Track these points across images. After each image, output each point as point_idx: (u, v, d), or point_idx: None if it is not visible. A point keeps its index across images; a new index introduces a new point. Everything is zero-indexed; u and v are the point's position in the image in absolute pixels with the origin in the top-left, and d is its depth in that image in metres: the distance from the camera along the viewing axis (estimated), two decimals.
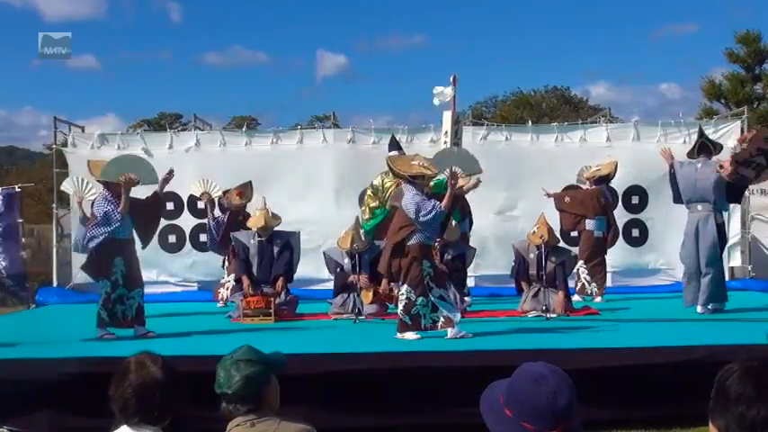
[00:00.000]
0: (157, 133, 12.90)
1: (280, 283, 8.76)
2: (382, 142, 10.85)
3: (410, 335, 6.89)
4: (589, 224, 9.82)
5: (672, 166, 8.81)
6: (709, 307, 8.43)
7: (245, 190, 9.79)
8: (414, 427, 5.80)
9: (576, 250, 9.64)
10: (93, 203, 7.60)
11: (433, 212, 6.89)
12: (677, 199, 8.91)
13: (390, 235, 7.21)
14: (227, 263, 9.92)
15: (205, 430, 3.60)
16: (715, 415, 1.70)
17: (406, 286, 6.96)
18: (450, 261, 8.56)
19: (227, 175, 11.01)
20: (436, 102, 8.32)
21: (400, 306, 7.02)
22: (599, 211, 9.83)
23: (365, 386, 5.82)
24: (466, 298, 8.74)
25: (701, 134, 9.02)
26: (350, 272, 8.73)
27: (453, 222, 8.68)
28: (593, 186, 9.96)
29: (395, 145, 9.90)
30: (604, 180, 10.04)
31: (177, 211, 11.27)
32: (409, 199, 6.95)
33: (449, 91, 8.42)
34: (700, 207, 8.55)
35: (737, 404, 1.64)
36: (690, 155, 8.89)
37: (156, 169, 7.67)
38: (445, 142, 8.80)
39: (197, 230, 11.27)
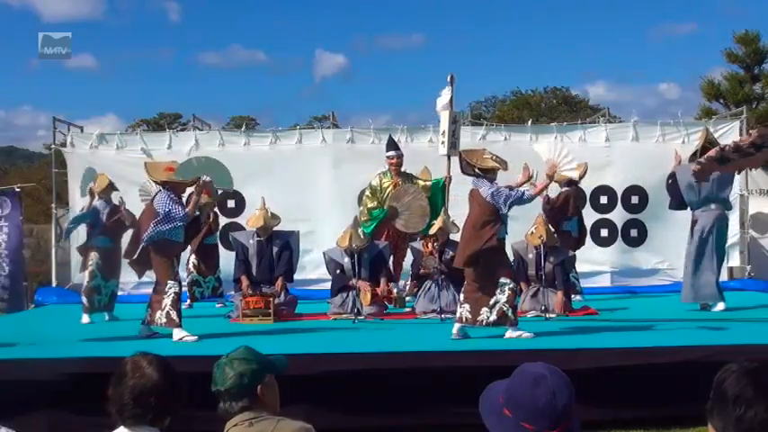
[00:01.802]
0: (156, 133, 12.89)
1: (279, 283, 8.76)
2: (381, 142, 10.85)
3: (525, 333, 6.81)
4: (565, 225, 9.77)
5: (673, 173, 8.98)
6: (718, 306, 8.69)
7: (211, 189, 9.75)
8: (413, 427, 5.80)
9: None
10: (153, 201, 7.41)
11: (520, 197, 6.95)
12: (679, 205, 9.09)
13: (474, 231, 6.91)
14: (193, 261, 9.91)
15: (204, 431, 3.60)
16: (713, 416, 1.70)
17: (507, 279, 6.90)
18: (448, 260, 8.56)
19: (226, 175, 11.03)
20: (439, 108, 8.44)
21: (503, 298, 6.83)
22: (575, 212, 9.82)
23: (365, 386, 5.82)
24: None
25: (707, 138, 9.02)
26: (350, 271, 8.72)
27: (451, 219, 8.69)
28: (565, 188, 9.79)
29: (392, 145, 9.91)
30: (575, 182, 9.87)
31: None
32: (488, 191, 6.89)
33: (445, 91, 8.46)
34: (714, 206, 8.76)
35: (736, 406, 1.64)
36: (692, 158, 8.91)
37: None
38: (443, 142, 8.81)
39: None
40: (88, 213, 8.86)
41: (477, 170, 7.07)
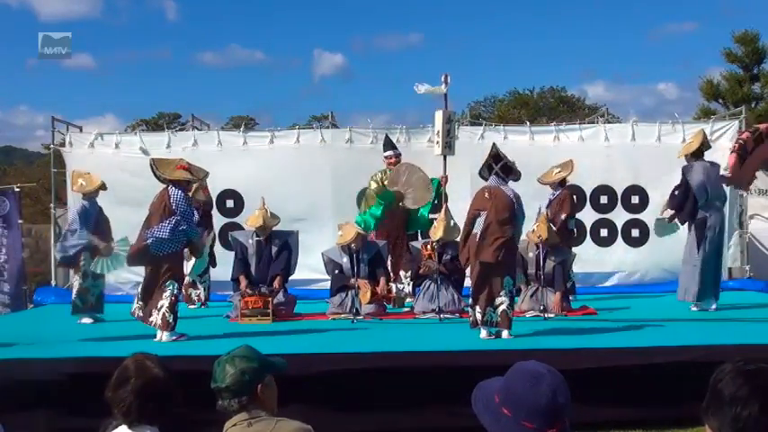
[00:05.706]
0: (155, 133, 12.88)
1: (277, 281, 8.74)
2: (380, 142, 10.84)
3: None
4: (572, 223, 9.69)
5: (685, 182, 8.70)
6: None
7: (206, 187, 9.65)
8: (412, 427, 5.79)
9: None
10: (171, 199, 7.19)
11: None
12: (692, 213, 8.65)
13: (500, 227, 7.01)
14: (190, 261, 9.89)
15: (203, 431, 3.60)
16: (709, 416, 1.70)
17: (511, 279, 7.17)
18: (448, 261, 8.55)
19: (225, 175, 11.00)
20: (422, 90, 8.43)
21: (507, 300, 6.98)
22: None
23: (363, 386, 5.81)
24: None
25: (702, 141, 9.04)
26: (348, 271, 8.71)
27: (453, 222, 8.67)
28: (561, 190, 9.62)
29: (389, 145, 9.92)
30: (565, 183, 9.71)
31: None
32: (511, 191, 7.13)
33: (426, 87, 8.46)
34: (718, 203, 8.82)
35: (732, 405, 1.64)
36: (690, 159, 8.86)
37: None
38: (437, 142, 8.79)
39: None
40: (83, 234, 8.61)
41: (500, 169, 7.17)
